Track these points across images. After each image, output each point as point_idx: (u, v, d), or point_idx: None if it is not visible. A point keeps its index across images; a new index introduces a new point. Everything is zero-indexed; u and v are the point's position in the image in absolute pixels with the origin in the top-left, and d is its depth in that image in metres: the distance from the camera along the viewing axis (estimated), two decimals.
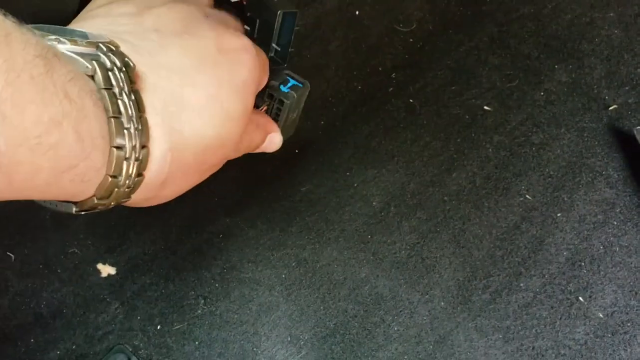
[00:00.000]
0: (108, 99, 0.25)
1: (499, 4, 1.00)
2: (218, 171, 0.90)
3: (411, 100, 0.94)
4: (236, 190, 0.89)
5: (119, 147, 0.25)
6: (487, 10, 1.00)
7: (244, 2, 0.43)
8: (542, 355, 0.72)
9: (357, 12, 0.98)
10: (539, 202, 0.83)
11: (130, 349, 0.78)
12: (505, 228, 0.81)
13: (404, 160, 0.88)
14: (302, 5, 0.96)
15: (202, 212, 0.87)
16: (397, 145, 0.90)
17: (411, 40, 1.00)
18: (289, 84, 0.46)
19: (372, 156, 0.90)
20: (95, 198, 0.27)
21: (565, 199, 0.82)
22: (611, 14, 0.93)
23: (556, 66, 0.93)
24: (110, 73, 0.25)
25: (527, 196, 0.83)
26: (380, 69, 0.98)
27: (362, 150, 0.91)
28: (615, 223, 0.80)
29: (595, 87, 0.90)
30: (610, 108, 0.88)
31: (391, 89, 0.96)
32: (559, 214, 0.81)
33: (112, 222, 0.86)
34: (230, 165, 0.92)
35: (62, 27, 0.26)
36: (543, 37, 0.96)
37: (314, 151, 0.91)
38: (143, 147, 0.27)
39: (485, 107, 0.91)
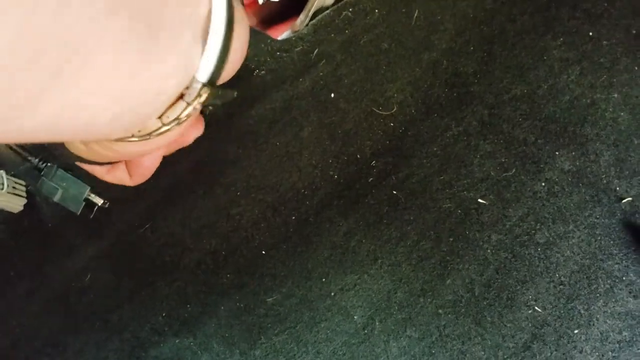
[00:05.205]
0: None
1: (488, 84, 0.90)
2: (163, 281, 0.75)
3: (394, 192, 0.82)
4: (187, 303, 0.74)
5: None
6: (475, 91, 0.90)
7: None
8: None
9: (332, 95, 0.87)
10: (551, 316, 0.69)
11: None
12: (514, 349, 0.67)
13: (389, 264, 0.75)
14: (271, 88, 0.85)
15: (146, 331, 0.72)
16: (380, 245, 0.77)
17: (392, 125, 0.89)
18: None
19: (351, 258, 0.76)
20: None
21: (582, 311, 0.69)
22: (615, 95, 0.83)
23: (557, 152, 0.82)
24: None
25: (536, 308, 0.70)
26: (358, 156, 0.86)
27: (340, 251, 0.77)
28: None
29: (604, 176, 0.79)
30: (624, 201, 0.76)
31: (371, 179, 0.83)
32: (575, 331, 0.68)
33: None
34: (180, 270, 0.78)
35: None
36: (539, 120, 0.85)
37: (284, 252, 0.78)
38: None
39: (480, 200, 0.79)
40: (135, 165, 0.33)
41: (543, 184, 0.80)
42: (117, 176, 0.34)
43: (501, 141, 0.85)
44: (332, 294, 0.74)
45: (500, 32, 0.93)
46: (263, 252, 0.78)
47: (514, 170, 0.82)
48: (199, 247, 0.77)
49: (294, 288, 0.75)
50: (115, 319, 0.72)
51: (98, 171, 0.34)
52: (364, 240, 0.78)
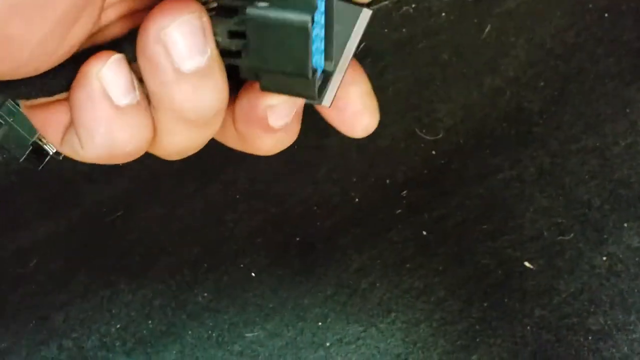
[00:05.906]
0: None
1: (554, 128, 0.77)
2: (127, 285, 0.61)
3: (424, 233, 0.68)
4: (149, 319, 0.60)
5: None
6: (538, 133, 0.77)
7: None
8: None
9: None
10: None
11: None
12: None
13: (404, 320, 0.61)
14: None
15: (92, 342, 0.58)
16: (397, 294, 0.63)
17: (434, 152, 0.75)
18: None
19: (359, 304, 0.63)
20: None
21: None
22: None
23: (625, 224, 0.69)
24: None
25: None
26: (388, 181, 0.73)
27: (347, 292, 0.64)
28: None
29: None
30: None
31: (399, 211, 0.70)
32: None
33: None
34: (150, 276, 0.65)
35: None
36: (610, 182, 0.72)
37: (278, 279, 0.64)
38: None
39: (526, 264, 0.66)
40: (77, 123, 0.20)
41: (604, 258, 0.67)
42: (69, 143, 0.21)
43: (560, 197, 0.71)
44: (328, 344, 0.60)
45: (578, 72, 0.80)
46: (253, 273, 0.65)
47: (571, 235, 0.68)
48: (177, 252, 0.63)
49: (282, 327, 0.61)
50: (58, 320, 0.59)
51: (50, 135, 0.22)
52: (378, 284, 0.64)
